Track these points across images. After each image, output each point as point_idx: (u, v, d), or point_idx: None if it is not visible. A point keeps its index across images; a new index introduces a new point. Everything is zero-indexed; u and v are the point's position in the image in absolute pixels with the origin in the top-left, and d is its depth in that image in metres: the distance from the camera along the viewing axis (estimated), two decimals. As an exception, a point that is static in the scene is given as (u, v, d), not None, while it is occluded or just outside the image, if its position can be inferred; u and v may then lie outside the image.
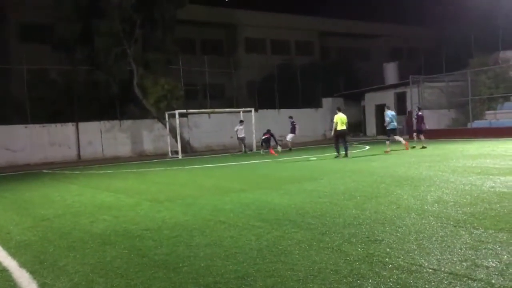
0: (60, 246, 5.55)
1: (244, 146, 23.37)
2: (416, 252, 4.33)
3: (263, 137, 21.35)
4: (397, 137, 18.48)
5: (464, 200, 6.66)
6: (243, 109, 25.19)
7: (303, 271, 4.00)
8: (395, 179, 9.48)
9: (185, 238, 5.49)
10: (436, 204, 6.51)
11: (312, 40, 41.63)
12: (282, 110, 30.89)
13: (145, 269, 4.38)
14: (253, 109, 24.87)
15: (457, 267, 3.80)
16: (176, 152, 23.12)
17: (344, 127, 16.64)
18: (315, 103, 34.38)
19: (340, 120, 16.65)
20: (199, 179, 12.54)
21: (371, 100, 33.31)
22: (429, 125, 27.39)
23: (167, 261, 4.59)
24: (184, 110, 23.93)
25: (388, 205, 6.65)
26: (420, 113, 20.36)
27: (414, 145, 19.30)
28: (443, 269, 3.78)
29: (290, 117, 23.50)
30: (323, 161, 15.90)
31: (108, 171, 16.73)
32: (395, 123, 18.06)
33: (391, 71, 35.02)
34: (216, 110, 25.73)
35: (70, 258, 4.97)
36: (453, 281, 3.49)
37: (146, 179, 13.43)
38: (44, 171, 18.58)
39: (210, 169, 15.63)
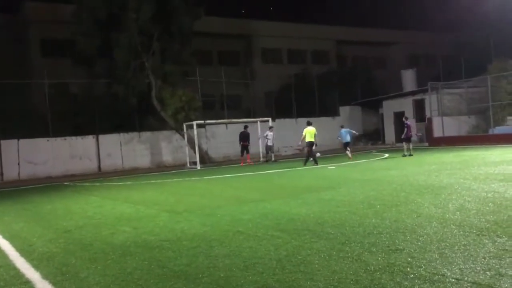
0: (82, 258, 5.61)
1: (272, 154, 23.65)
2: (438, 261, 4.26)
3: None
4: (348, 151, 20.40)
5: (487, 208, 6.54)
6: (261, 118, 25.23)
7: (323, 281, 3.97)
8: (415, 187, 9.36)
9: (204, 249, 5.50)
10: (458, 212, 6.40)
11: (328, 49, 41.66)
12: (300, 119, 30.85)
13: (165, 280, 4.40)
14: (270, 119, 24.88)
15: (481, 277, 3.73)
16: (195, 163, 23.25)
17: (312, 139, 18.49)
18: (332, 112, 34.27)
19: (309, 133, 18.57)
20: (217, 190, 12.58)
21: (389, 108, 33.07)
22: (449, 132, 27.16)
23: (187, 272, 4.61)
24: (202, 121, 24.10)
25: (409, 214, 6.57)
26: (408, 123, 20.47)
27: (412, 154, 19.64)
28: (466, 278, 3.71)
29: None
30: (341, 169, 15.79)
31: (128, 183, 16.90)
32: (348, 138, 20.89)
33: (409, 78, 34.74)
34: (234, 120, 25.85)
35: (91, 270, 5.02)
36: (477, 291, 3.43)
37: (165, 190, 13.52)
38: (66, 183, 18.87)
39: (228, 179, 15.67)
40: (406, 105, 31.48)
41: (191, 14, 25.73)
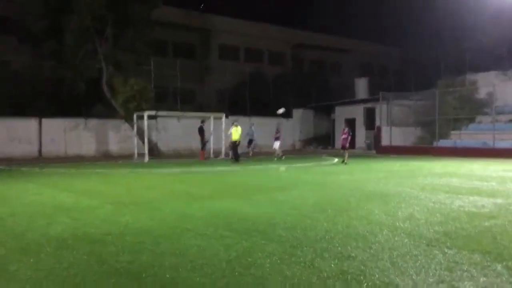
0: (12, 249, 5.15)
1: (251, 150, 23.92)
2: (390, 270, 4.19)
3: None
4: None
5: (435, 219, 6.62)
6: (214, 114, 24.89)
7: (274, 286, 3.79)
8: (365, 193, 9.42)
9: (150, 245, 5.19)
10: (408, 221, 6.44)
11: (285, 51, 41.82)
12: (253, 118, 30.74)
13: (105, 278, 4.07)
14: (224, 115, 24.59)
15: (434, 289, 3.68)
16: (143, 155, 22.56)
17: (238, 138, 20.53)
18: (286, 113, 34.37)
19: (236, 132, 20.53)
20: (166, 184, 12.18)
21: (341, 114, 33.66)
22: (396, 141, 27.98)
23: (129, 270, 4.29)
24: (154, 112, 23.43)
25: (360, 220, 6.54)
26: (346, 130, 20.07)
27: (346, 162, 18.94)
28: (420, 290, 3.65)
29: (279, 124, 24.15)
30: (293, 171, 15.79)
31: (70, 170, 16.11)
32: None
33: (361, 86, 35.54)
34: (187, 113, 25.32)
35: (22, 263, 4.58)
36: (431, 304, 3.35)
37: (110, 180, 12.97)
38: (1, 167, 17.74)
39: (177, 173, 15.26)
40: (357, 112, 32.15)
41: (149, 2, 24.99)
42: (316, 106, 35.42)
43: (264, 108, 32.51)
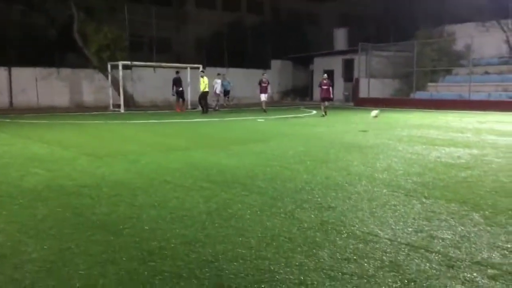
0: (-16, 201, 4.98)
1: (218, 103, 23.34)
2: (370, 221, 4.21)
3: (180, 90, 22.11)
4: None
5: (413, 170, 6.68)
6: (191, 65, 24.34)
7: (255, 237, 3.76)
8: (344, 145, 9.44)
9: (127, 198, 5.09)
10: (386, 172, 6.48)
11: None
12: (231, 69, 30.25)
13: (81, 230, 3.97)
14: (201, 66, 24.08)
15: (413, 238, 3.71)
16: (118, 106, 22.11)
17: (207, 89, 20.87)
18: (264, 64, 33.92)
19: (203, 82, 20.79)
20: (142, 135, 11.98)
21: (319, 65, 33.33)
22: (374, 93, 28.03)
23: (106, 222, 4.20)
24: (128, 62, 22.76)
25: (339, 171, 6.55)
26: (327, 81, 19.16)
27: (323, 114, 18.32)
28: (399, 240, 3.67)
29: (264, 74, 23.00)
30: (270, 123, 15.72)
31: (43, 121, 15.69)
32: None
33: (340, 37, 35.06)
34: (163, 64, 24.66)
35: (-5, 215, 4.45)
36: (410, 253, 3.38)
37: (85, 131, 12.68)
38: (-29, 117, 17.16)
39: (154, 125, 15.02)
40: (336, 64, 31.92)
41: None
42: (295, 57, 34.98)
43: (242, 59, 31.98)
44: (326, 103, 18.83)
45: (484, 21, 26.84)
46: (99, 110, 22.48)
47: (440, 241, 3.65)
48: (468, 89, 23.98)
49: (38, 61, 24.01)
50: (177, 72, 22.42)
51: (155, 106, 26.14)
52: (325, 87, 18.80)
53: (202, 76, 21.30)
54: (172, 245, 3.59)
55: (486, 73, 25.84)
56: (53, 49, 24.36)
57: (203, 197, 5.09)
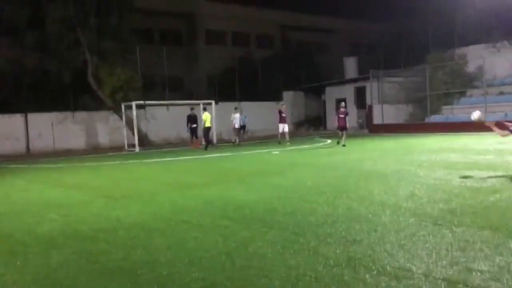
0: (-2, 251, 4.86)
1: (238, 137, 22.59)
2: (400, 254, 3.96)
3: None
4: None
5: (438, 196, 6.41)
6: (203, 101, 24.48)
7: (279, 278, 3.54)
8: (363, 173, 9.21)
9: (143, 240, 4.92)
10: (410, 200, 6.22)
11: (272, 33, 41.31)
12: (243, 103, 30.37)
13: (97, 278, 3.80)
14: (213, 101, 24.20)
15: (449, 272, 3.45)
16: (133, 145, 22.20)
17: (209, 124, 20.38)
18: (276, 96, 34.05)
19: (207, 118, 20.39)
20: (157, 174, 11.89)
21: (331, 94, 33.36)
22: (388, 119, 27.79)
23: (123, 268, 4.03)
24: (142, 102, 22.98)
25: (361, 201, 6.31)
26: (344, 109, 18.35)
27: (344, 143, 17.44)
28: (434, 274, 3.42)
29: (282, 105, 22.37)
30: (286, 154, 15.54)
31: (59, 165, 15.75)
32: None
33: (351, 66, 35.18)
34: (175, 102, 24.87)
35: (9, 266, 4.30)
36: (448, 289, 3.13)
37: (101, 173, 12.65)
38: (-11, 165, 17.31)
39: (169, 163, 14.96)
40: (347, 92, 31.88)
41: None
42: (306, 88, 35.09)
43: (254, 92, 32.14)
44: (343, 132, 17.78)
45: (495, 42, 26.72)
46: (114, 150, 22.58)
47: (478, 273, 3.39)
48: (484, 110, 23.60)
49: (54, 106, 24.40)
50: (192, 109, 22.44)
51: (169, 143, 26.20)
52: (342, 115, 18.04)
53: (205, 110, 21.03)
54: (192, 290, 3.39)
55: (501, 93, 25.49)
56: (68, 93, 24.78)
57: (222, 236, 4.89)
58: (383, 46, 36.30)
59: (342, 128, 17.80)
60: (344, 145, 17.18)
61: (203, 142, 20.69)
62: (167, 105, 25.66)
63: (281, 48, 41.36)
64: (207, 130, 20.57)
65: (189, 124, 21.86)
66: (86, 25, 23.32)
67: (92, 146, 25.30)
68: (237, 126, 22.58)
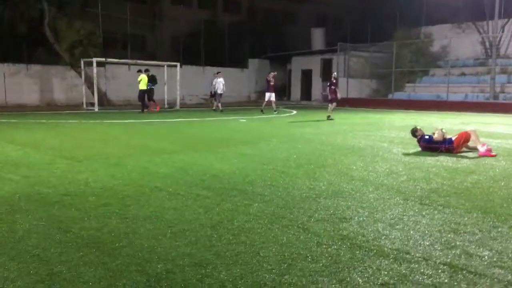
0: (-47, 214, 4.38)
1: (219, 103, 20.86)
2: (393, 235, 3.82)
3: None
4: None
5: (417, 175, 6.36)
6: (168, 63, 23.68)
7: (272, 257, 3.32)
8: (336, 147, 9.10)
9: (118, 208, 4.57)
10: (390, 177, 6.14)
11: (240, -2, 40.28)
12: (208, 68, 29.68)
13: (71, 250, 3.44)
14: (178, 64, 23.44)
15: (449, 256, 3.33)
16: (92, 104, 21.28)
17: (144, 87, 19.72)
18: (241, 64, 33.49)
19: (143, 79, 19.77)
20: (122, 136, 11.36)
21: (297, 65, 33.16)
22: (352, 93, 27.95)
23: (99, 239, 3.68)
24: (103, 59, 21.92)
25: (341, 177, 6.18)
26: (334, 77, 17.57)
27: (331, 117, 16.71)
28: (434, 259, 3.29)
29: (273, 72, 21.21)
30: (254, 123, 15.29)
31: (12, 120, 14.83)
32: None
33: (318, 37, 34.96)
34: (139, 61, 23.90)
35: (-34, 231, 3.87)
36: (453, 275, 3.00)
37: (60, 132, 11.97)
38: None
39: (132, 125, 14.38)
40: (314, 64, 31.76)
41: None
42: (272, 57, 34.67)
43: (219, 58, 31.42)
44: (332, 104, 16.94)
45: (460, 23, 27.14)
46: (71, 109, 21.58)
47: (478, 259, 3.29)
48: (446, 90, 24.14)
49: (6, 56, 22.91)
50: (146, 70, 21.37)
51: (129, 104, 25.31)
52: (333, 87, 17.02)
53: (139, 74, 20.01)
54: (180, 267, 3.12)
55: (463, 74, 26.10)
56: (22, 44, 23.29)
57: (203, 207, 4.62)
58: (351, 20, 36.22)
59: (334, 100, 16.87)
60: (331, 118, 16.36)
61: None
62: (130, 64, 24.62)
63: (248, 14, 40.45)
64: (142, 92, 19.74)
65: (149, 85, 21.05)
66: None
67: (47, 102, 24.11)
68: (219, 91, 20.78)
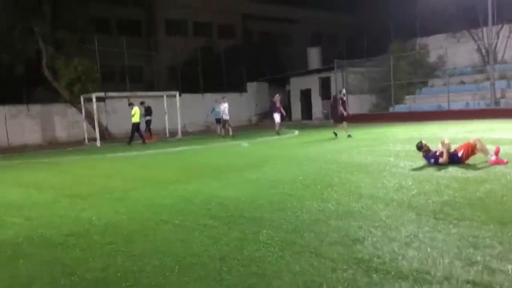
0: (-46, 264, 4.25)
1: (230, 128, 20.31)
2: (410, 254, 3.67)
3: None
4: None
5: (427, 187, 6.21)
6: (167, 92, 23.76)
7: (287, 287, 3.17)
8: (342, 165, 8.95)
9: (123, 245, 4.43)
10: (400, 192, 5.99)
11: (234, 23, 40.70)
12: (206, 95, 29.77)
13: (76, 294, 3.31)
14: (177, 93, 23.51)
15: (471, 273, 3.18)
16: (94, 139, 21.26)
17: (137, 120, 19.36)
18: (240, 88, 33.61)
19: (137, 112, 19.40)
20: (125, 169, 11.27)
21: (296, 85, 33.26)
22: (352, 110, 27.88)
23: (105, 281, 3.55)
24: (103, 93, 21.99)
25: (349, 195, 6.03)
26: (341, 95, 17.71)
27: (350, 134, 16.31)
28: (456, 277, 3.13)
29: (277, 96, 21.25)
30: (257, 147, 15.19)
31: (15, 162, 14.77)
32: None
33: (314, 56, 35.16)
34: (138, 93, 23.99)
35: (-32, 282, 3.74)
36: (478, 294, 2.85)
37: (62, 170, 11.88)
38: None
39: (135, 157, 14.28)
40: (312, 83, 31.85)
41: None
42: (270, 79, 34.81)
43: (217, 84, 31.55)
44: (343, 123, 16.50)
45: (455, 32, 27.24)
46: (74, 145, 21.56)
47: (502, 274, 3.13)
48: (447, 99, 24.07)
49: (6, 98, 23.04)
50: (142, 103, 21.41)
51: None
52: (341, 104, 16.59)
53: (132, 107, 19.70)
54: (190, 305, 2.97)
55: (462, 82, 26.07)
56: (21, 85, 23.45)
57: (211, 237, 4.48)
58: (346, 36, 36.52)
59: (345, 117, 16.56)
60: (349, 135, 15.89)
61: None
62: (129, 97, 24.70)
63: (243, 38, 40.85)
64: (135, 125, 19.31)
65: (146, 117, 21.18)
66: (39, 12, 22.06)
67: (49, 141, 24.13)
68: (226, 117, 20.33)
